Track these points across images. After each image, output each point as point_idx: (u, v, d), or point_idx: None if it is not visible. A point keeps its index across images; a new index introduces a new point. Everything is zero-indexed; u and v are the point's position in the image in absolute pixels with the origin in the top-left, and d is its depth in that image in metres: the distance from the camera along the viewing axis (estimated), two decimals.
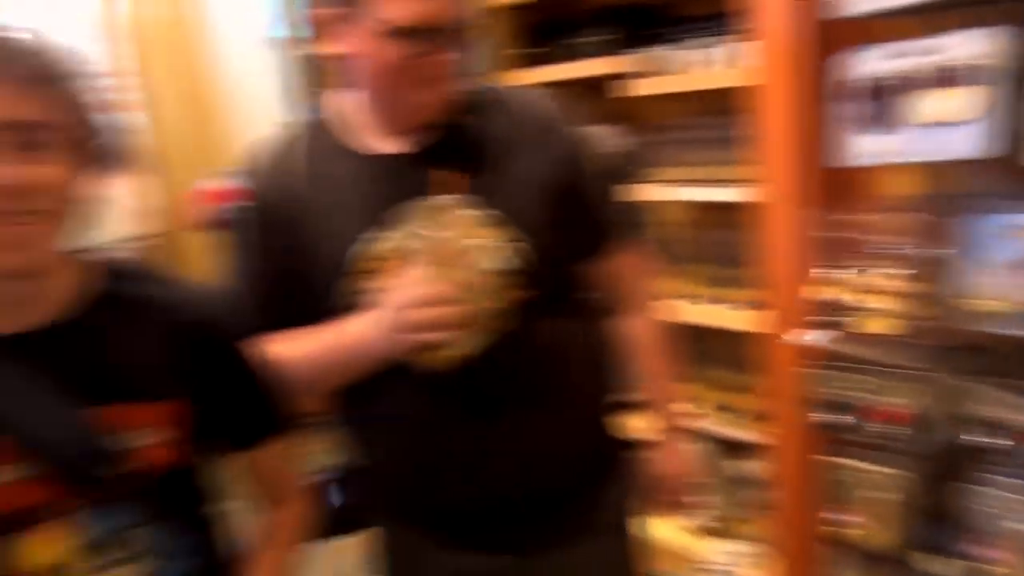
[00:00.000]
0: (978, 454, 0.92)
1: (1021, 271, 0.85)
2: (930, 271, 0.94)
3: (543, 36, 2.13)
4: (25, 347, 0.73)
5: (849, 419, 1.02)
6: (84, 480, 0.74)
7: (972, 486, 0.94)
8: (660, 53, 1.76)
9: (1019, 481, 0.90)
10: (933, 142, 0.90)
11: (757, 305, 1.43)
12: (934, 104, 0.89)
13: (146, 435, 0.77)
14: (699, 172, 1.76)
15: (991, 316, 0.88)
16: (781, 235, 1.20)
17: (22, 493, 0.72)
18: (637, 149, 1.90)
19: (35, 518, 0.72)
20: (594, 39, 1.96)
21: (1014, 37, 0.85)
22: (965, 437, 0.92)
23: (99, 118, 0.73)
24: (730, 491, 1.85)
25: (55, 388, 0.73)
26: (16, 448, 0.72)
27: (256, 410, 0.89)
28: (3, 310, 0.73)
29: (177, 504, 0.82)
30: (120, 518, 0.76)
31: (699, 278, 1.82)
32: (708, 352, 1.83)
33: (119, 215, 3.15)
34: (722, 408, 1.80)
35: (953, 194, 1.01)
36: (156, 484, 0.78)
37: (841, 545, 1.10)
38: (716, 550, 1.80)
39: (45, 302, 0.75)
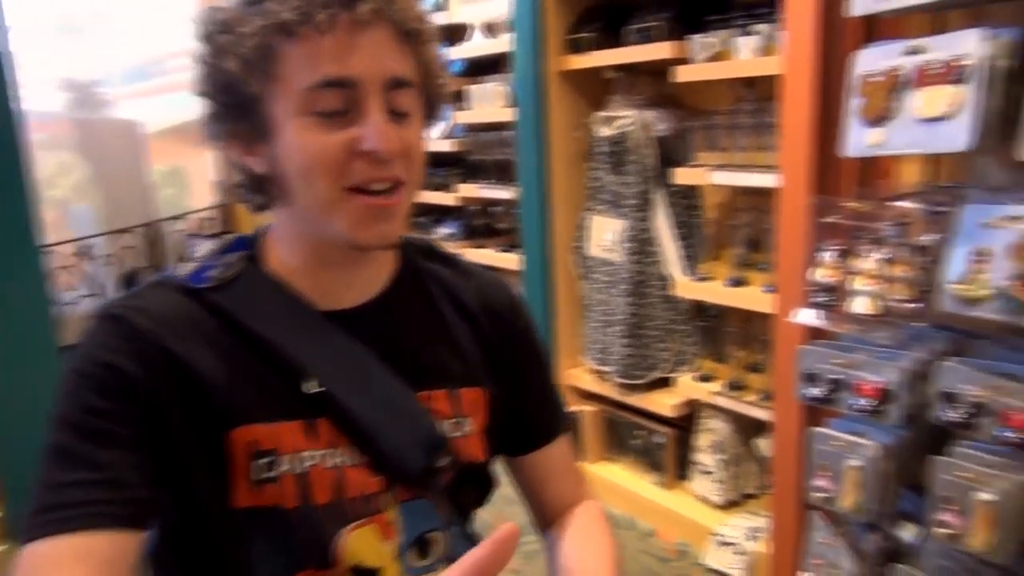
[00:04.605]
0: (954, 428, 1.07)
1: (1000, 259, 0.98)
2: (921, 256, 1.09)
3: (595, 22, 2.37)
4: (362, 322, 0.79)
5: (836, 394, 1.19)
6: (413, 471, 0.76)
7: (945, 458, 1.08)
8: (711, 39, 2.01)
9: (989, 455, 1.04)
10: (926, 135, 1.03)
11: (773, 287, 1.68)
12: (929, 99, 1.02)
13: (460, 425, 0.81)
14: (738, 157, 2.02)
15: (972, 300, 1.01)
16: (794, 220, 1.42)
17: (347, 481, 0.74)
18: (683, 133, 2.22)
19: (355, 512, 0.75)
20: (646, 25, 2.21)
21: (1009, 37, 0.98)
22: (942, 412, 1.07)
23: (443, 76, 0.78)
24: (747, 467, 2.25)
25: (387, 368, 0.77)
26: (345, 431, 0.74)
27: (548, 406, 0.93)
28: (352, 284, 0.80)
29: (465, 507, 0.84)
30: (427, 519, 0.79)
31: (730, 260, 2.16)
32: (738, 333, 2.20)
33: (202, 187, 3.79)
34: (741, 387, 2.12)
35: (947, 184, 1.22)
36: (459, 482, 0.80)
37: (824, 512, 1.29)
38: (732, 523, 2.13)
39: (379, 275, 0.82)
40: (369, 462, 0.76)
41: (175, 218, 4.05)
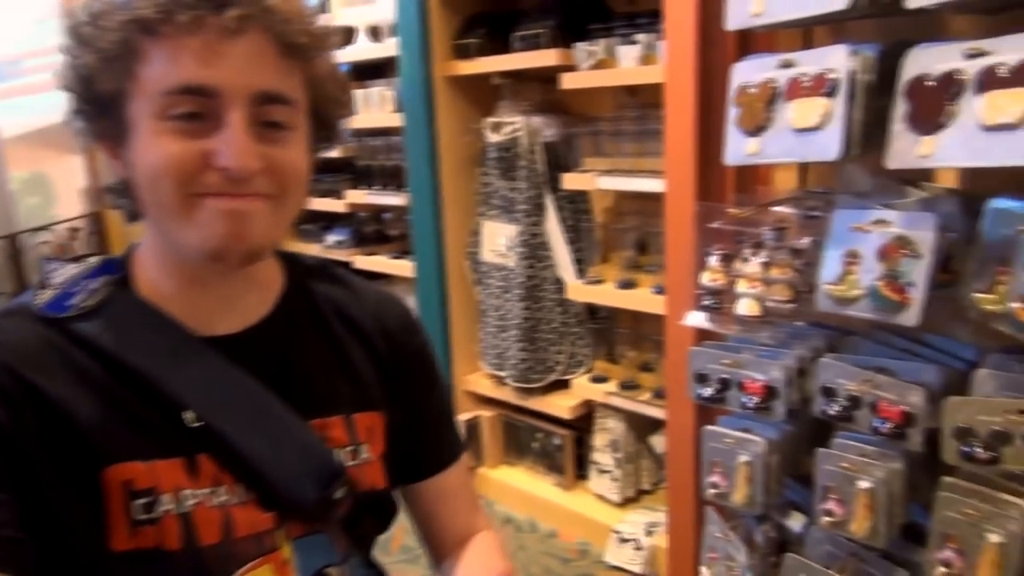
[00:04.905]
0: (834, 421, 1.11)
1: (869, 260, 1.03)
2: (797, 259, 1.14)
3: (481, 27, 2.35)
4: (247, 347, 0.74)
5: (725, 392, 1.22)
6: (307, 505, 0.72)
7: (827, 449, 1.12)
8: (594, 47, 2.04)
9: (867, 445, 1.09)
10: (800, 145, 1.06)
11: (662, 289, 1.76)
12: (801, 110, 1.05)
13: (357, 452, 0.78)
14: (624, 163, 2.07)
15: (846, 300, 1.05)
16: (680, 226, 1.46)
17: (235, 520, 0.69)
18: (571, 139, 2.25)
19: (247, 553, 0.70)
20: (531, 32, 2.20)
21: (869, 52, 1.02)
22: (823, 406, 1.12)
23: (339, 95, 0.74)
24: (642, 463, 2.31)
25: (276, 397, 0.73)
26: (228, 466, 0.69)
27: (444, 430, 0.89)
28: (232, 306, 0.75)
29: (365, 538, 0.80)
30: (324, 554, 0.75)
31: (620, 263, 2.21)
32: (629, 334, 2.29)
33: (69, 195, 3.59)
34: (635, 387, 2.17)
35: (818, 190, 1.28)
36: (358, 512, 0.76)
37: (717, 507, 1.33)
38: (630, 519, 2.16)
39: (263, 297, 0.78)
40: (258, 498, 0.72)
41: (40, 229, 3.77)
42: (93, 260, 0.76)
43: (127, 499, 0.67)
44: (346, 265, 3.03)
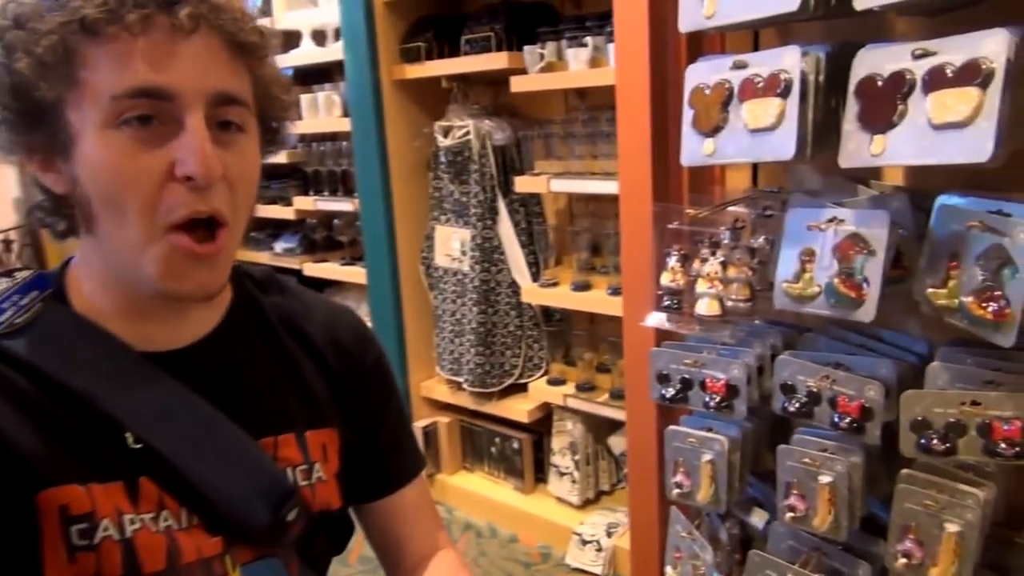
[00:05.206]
0: (794, 417, 1.13)
1: (825, 258, 1.04)
2: (753, 259, 1.16)
3: (427, 31, 2.33)
4: (192, 363, 0.70)
5: (686, 392, 1.23)
6: (258, 528, 0.69)
7: (788, 446, 1.13)
8: (543, 50, 2.05)
9: (826, 440, 1.11)
10: (755, 145, 1.06)
11: (620, 291, 1.76)
12: (755, 110, 1.05)
13: (311, 471, 0.75)
14: (575, 165, 2.07)
15: (803, 298, 1.06)
16: (637, 228, 1.45)
17: (179, 547, 0.66)
18: (522, 142, 2.27)
19: None
20: (479, 35, 2.19)
21: (818, 53, 1.03)
22: (783, 403, 1.13)
23: (284, 97, 0.73)
24: (601, 465, 2.32)
25: (223, 415, 0.70)
26: (170, 489, 0.66)
27: (402, 445, 0.87)
28: (178, 327, 0.71)
29: (319, 561, 0.78)
30: None
31: (574, 265, 2.20)
32: (585, 335, 2.27)
33: (2, 206, 3.52)
34: (591, 388, 2.17)
35: (772, 189, 1.29)
36: (311, 534, 0.74)
37: (681, 506, 1.35)
38: (590, 521, 2.17)
39: (210, 312, 0.74)
40: (203, 522, 0.68)
41: None
42: (23, 274, 0.72)
43: (63, 525, 0.63)
44: (296, 273, 2.97)
